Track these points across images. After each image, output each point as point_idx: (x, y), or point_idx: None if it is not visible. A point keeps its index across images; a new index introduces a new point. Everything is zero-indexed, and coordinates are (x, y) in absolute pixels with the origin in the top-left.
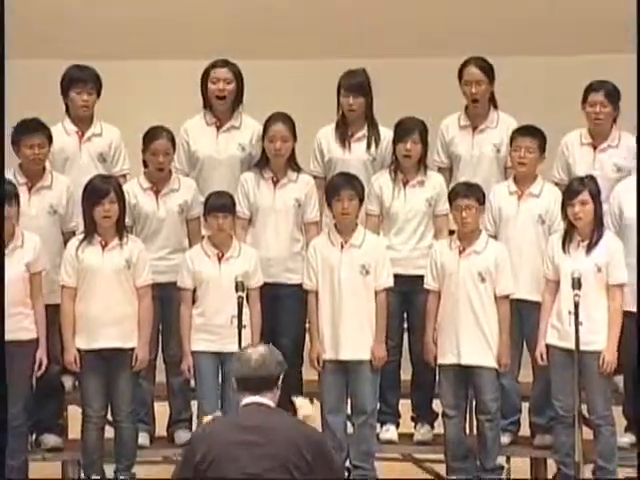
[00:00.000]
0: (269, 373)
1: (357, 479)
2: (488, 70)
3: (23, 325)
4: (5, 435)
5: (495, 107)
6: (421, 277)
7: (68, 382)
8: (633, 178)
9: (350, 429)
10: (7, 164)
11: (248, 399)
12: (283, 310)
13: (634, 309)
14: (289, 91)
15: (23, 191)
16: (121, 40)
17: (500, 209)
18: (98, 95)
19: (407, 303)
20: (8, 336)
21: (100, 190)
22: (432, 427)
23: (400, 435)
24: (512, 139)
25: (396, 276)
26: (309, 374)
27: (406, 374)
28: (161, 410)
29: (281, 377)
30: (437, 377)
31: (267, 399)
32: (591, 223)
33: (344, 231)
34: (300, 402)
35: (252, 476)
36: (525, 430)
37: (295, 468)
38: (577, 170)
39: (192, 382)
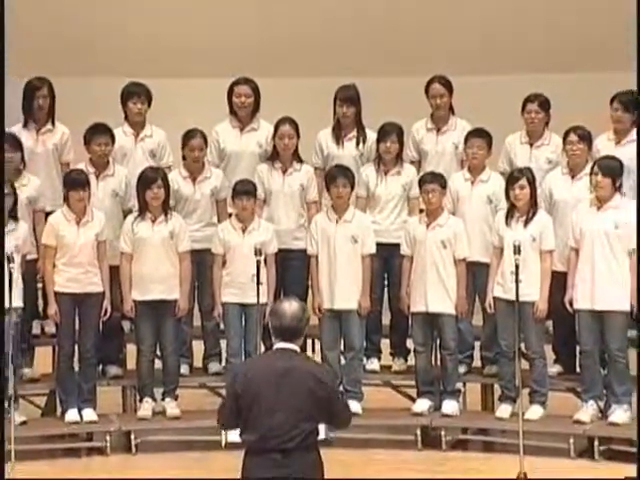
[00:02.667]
0: (299, 326)
1: (348, 399)
2: (448, 85)
3: (93, 281)
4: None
5: (453, 113)
6: (398, 245)
7: (126, 326)
8: (559, 169)
9: (343, 362)
10: (78, 159)
11: (281, 344)
12: (291, 269)
13: (560, 269)
14: (296, 101)
15: (92, 179)
16: (166, 63)
17: (457, 192)
18: (149, 105)
19: (387, 265)
20: (82, 289)
21: (150, 178)
22: (406, 360)
23: (381, 366)
24: (467, 139)
25: (378, 244)
26: (311, 320)
27: (386, 319)
28: (197, 347)
29: (306, 328)
30: (410, 322)
31: (295, 345)
32: (528, 203)
33: (339, 210)
34: None
35: (282, 406)
36: (477, 362)
37: (315, 396)
38: (517, 162)
39: (221, 325)
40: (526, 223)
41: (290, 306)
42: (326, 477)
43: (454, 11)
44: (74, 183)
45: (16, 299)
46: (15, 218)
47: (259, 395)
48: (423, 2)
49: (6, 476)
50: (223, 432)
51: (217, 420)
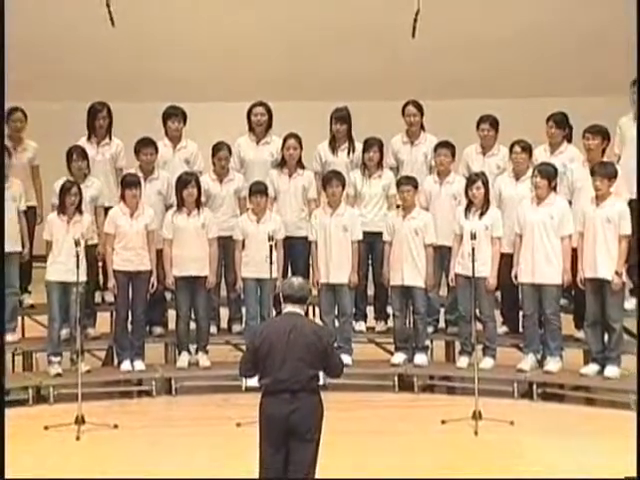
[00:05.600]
0: (304, 294)
1: (341, 354)
2: (419, 108)
3: (143, 262)
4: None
5: (424, 130)
6: (380, 233)
7: (168, 296)
8: (506, 173)
9: (337, 324)
10: (129, 165)
11: (290, 309)
12: (295, 252)
13: (507, 251)
14: (300, 120)
15: (141, 181)
16: (199, 90)
17: (430, 192)
18: (184, 123)
19: (371, 248)
20: (134, 268)
21: (186, 180)
22: (386, 323)
23: (367, 328)
24: (435, 149)
25: (364, 232)
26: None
27: (370, 291)
28: (223, 312)
29: (309, 297)
30: (389, 293)
31: (300, 309)
32: (482, 200)
33: (333, 205)
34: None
35: (291, 355)
36: (442, 324)
37: (316, 348)
38: (474, 168)
39: (242, 295)
40: (481, 215)
41: (297, 280)
42: (325, 413)
43: (423, 52)
44: (129, 183)
45: (82, 275)
46: (80, 212)
47: (272, 348)
48: (401, 47)
49: (75, 413)
50: (243, 379)
51: (239, 370)
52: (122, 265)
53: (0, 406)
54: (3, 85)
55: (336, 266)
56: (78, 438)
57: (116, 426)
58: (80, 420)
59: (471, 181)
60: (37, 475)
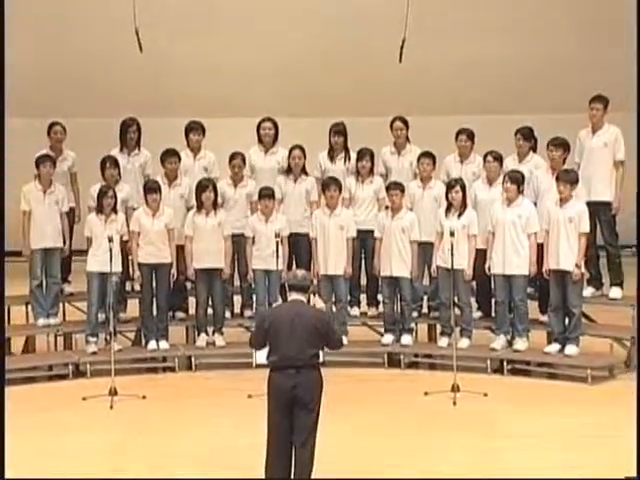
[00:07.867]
0: (306, 284)
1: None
2: (405, 123)
3: (164, 255)
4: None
5: (409, 142)
6: (371, 231)
7: (189, 285)
8: (481, 179)
9: (334, 310)
10: (156, 173)
11: (294, 296)
12: (298, 248)
13: (481, 247)
14: (303, 133)
15: (165, 187)
16: (216, 107)
17: (414, 195)
18: (204, 136)
19: (364, 244)
20: (156, 261)
21: (204, 185)
22: (377, 308)
23: (360, 313)
24: (419, 159)
25: (358, 230)
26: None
27: (363, 281)
28: (236, 299)
29: (311, 287)
30: (379, 282)
31: (303, 297)
32: (460, 202)
33: (331, 207)
34: (316, 300)
35: (295, 336)
36: (425, 309)
37: (316, 330)
38: (452, 174)
39: (252, 285)
40: (459, 216)
41: (301, 271)
42: (324, 386)
43: (409, 75)
44: (150, 189)
45: (116, 266)
46: (116, 212)
47: (279, 330)
48: (390, 71)
49: (108, 386)
50: (253, 356)
51: (249, 343)
52: (146, 258)
53: (1, 404)
54: (3, 94)
55: (333, 259)
56: (111, 407)
57: (144, 397)
58: (113, 392)
59: (451, 186)
60: (79, 439)
